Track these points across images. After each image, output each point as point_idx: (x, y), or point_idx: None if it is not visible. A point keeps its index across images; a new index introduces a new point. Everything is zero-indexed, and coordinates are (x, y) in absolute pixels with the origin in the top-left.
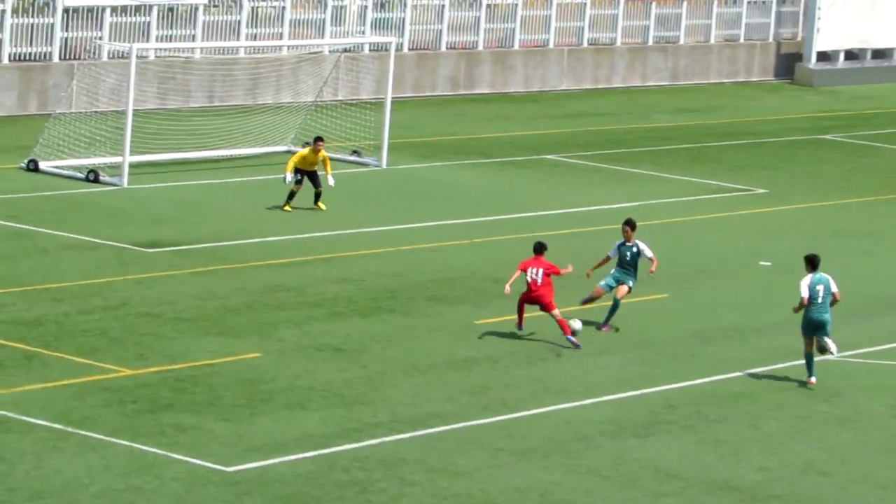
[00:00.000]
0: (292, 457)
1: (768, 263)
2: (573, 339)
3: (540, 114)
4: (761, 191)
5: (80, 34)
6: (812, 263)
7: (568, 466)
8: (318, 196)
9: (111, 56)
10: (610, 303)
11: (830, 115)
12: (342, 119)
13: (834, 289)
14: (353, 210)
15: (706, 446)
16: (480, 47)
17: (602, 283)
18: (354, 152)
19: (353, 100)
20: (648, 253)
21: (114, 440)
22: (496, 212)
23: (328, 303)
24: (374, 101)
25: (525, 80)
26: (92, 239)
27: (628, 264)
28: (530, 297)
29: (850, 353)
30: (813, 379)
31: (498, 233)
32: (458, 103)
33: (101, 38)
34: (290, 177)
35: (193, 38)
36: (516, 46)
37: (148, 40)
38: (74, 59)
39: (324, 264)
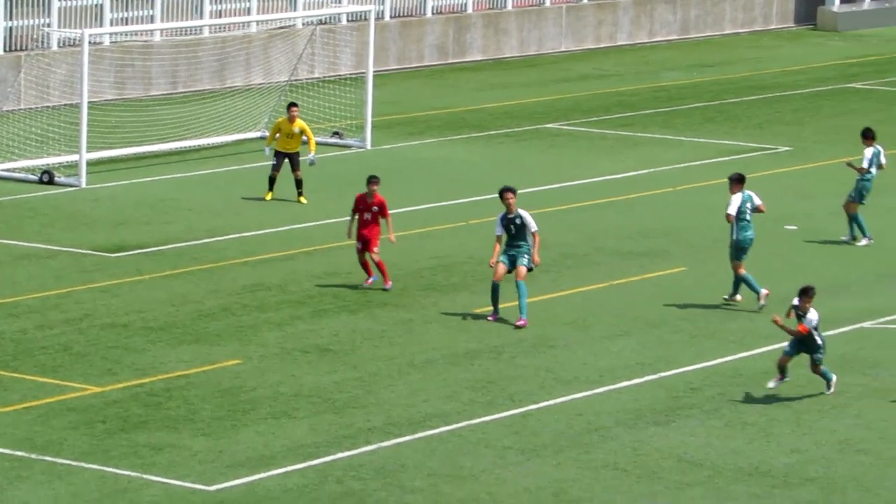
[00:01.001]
0: (280, 470)
1: (794, 227)
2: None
3: (538, 80)
4: (784, 149)
5: (25, 22)
6: (740, 182)
7: (582, 461)
8: (298, 184)
9: (61, 44)
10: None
11: (858, 62)
12: (320, 98)
13: (758, 202)
14: (336, 197)
15: (733, 430)
16: (469, 10)
17: (502, 258)
18: (336, 133)
19: (331, 76)
20: (532, 226)
21: (83, 465)
22: (494, 190)
23: (313, 300)
24: (354, 76)
25: (520, 43)
26: (49, 246)
27: (516, 238)
28: (360, 234)
29: (887, 319)
30: (738, 297)
31: (496, 212)
32: (448, 73)
33: (49, 26)
34: (269, 150)
35: (152, 19)
36: (509, 7)
37: (101, 24)
38: (21, 50)
39: (306, 258)
